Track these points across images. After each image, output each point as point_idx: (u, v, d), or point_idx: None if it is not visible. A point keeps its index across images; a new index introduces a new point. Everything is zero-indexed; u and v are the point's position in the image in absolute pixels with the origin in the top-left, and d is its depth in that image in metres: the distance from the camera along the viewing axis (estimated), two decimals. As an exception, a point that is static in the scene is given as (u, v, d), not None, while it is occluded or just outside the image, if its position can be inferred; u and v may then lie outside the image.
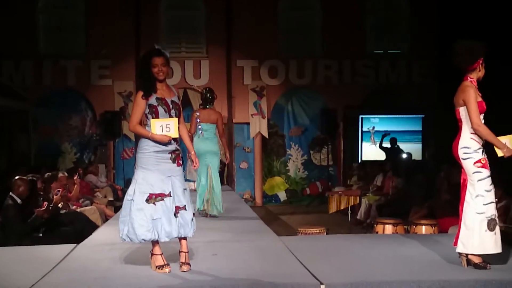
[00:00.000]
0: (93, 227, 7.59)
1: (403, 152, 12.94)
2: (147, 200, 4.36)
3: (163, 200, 4.39)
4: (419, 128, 13.92)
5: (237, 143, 14.25)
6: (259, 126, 14.01)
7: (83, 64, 13.64)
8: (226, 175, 14.05)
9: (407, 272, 4.36)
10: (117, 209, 9.69)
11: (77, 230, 7.21)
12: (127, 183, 13.49)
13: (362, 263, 4.67)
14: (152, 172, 4.40)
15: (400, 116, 13.96)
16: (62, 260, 4.95)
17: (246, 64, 14.09)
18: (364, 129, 13.94)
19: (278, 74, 14.17)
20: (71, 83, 13.63)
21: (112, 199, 10.93)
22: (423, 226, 6.85)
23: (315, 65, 14.23)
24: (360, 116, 13.87)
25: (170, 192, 4.42)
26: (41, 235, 6.74)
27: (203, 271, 4.44)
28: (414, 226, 6.95)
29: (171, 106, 4.48)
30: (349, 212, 8.79)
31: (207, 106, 7.84)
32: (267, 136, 14.17)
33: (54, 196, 7.28)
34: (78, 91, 13.70)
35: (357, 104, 14.03)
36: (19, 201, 6.70)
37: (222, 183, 13.10)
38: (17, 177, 6.88)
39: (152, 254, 4.51)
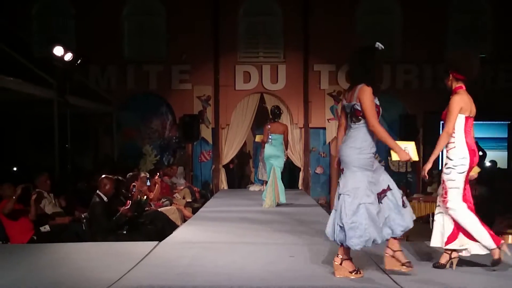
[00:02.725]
0: (172, 226, 7.80)
1: (485, 154, 12.28)
2: (377, 200, 4.23)
3: (386, 195, 4.26)
4: (504, 135, 13.32)
5: (313, 148, 14.20)
6: (335, 131, 13.85)
7: (164, 69, 14.06)
8: (302, 180, 14.03)
9: (492, 281, 4.19)
10: (194, 210, 9.92)
11: (158, 228, 7.45)
12: (204, 185, 13.79)
13: (445, 272, 4.53)
14: (373, 172, 4.27)
15: (484, 122, 13.41)
16: (146, 256, 5.14)
17: (323, 69, 14.03)
18: (445, 135, 13.48)
19: (355, 79, 13.98)
20: (152, 87, 14.09)
21: (190, 200, 11.18)
22: (510, 236, 6.56)
23: (394, 70, 13.96)
24: (441, 122, 13.40)
25: (388, 186, 4.28)
26: (124, 232, 7.01)
27: (281, 272, 4.47)
28: (500, 236, 6.65)
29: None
30: (431, 219, 8.54)
31: (276, 120, 9.78)
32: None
33: (133, 193, 7.57)
34: (159, 95, 14.12)
35: (438, 110, 13.56)
36: (105, 199, 7.00)
37: (297, 187, 13.41)
38: (103, 176, 7.19)
39: (345, 259, 4.31)
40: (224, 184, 14.08)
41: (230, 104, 13.96)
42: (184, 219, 8.89)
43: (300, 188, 13.87)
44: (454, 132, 4.62)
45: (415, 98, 13.75)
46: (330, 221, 4.38)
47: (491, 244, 4.43)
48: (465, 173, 4.57)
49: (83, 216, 7.25)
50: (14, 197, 6.79)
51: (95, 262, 4.95)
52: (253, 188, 13.06)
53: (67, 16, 14.17)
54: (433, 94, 13.67)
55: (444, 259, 4.63)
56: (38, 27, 14.25)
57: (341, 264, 4.29)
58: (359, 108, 4.23)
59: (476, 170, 4.76)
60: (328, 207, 13.65)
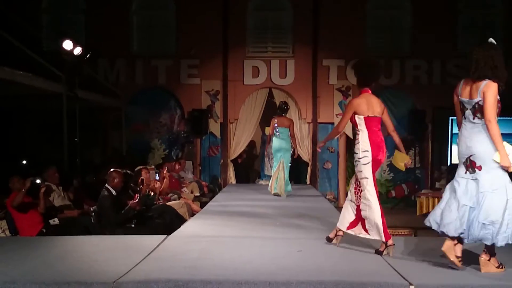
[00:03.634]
0: (181, 220, 7.83)
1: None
2: None
3: None
4: (515, 131, 13.21)
5: (321, 143, 14.13)
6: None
7: (173, 63, 14.06)
8: (310, 175, 14.01)
9: (501, 277, 4.17)
10: (202, 204, 9.96)
11: (166, 222, 7.48)
12: (213, 179, 13.81)
13: (449, 268, 4.51)
14: None
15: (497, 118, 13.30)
16: (153, 249, 5.16)
17: (332, 64, 13.97)
18: (454, 131, 13.43)
19: (364, 74, 13.92)
20: (161, 82, 14.10)
21: (198, 194, 11.21)
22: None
23: (403, 65, 13.89)
24: (450, 118, 13.35)
25: None
26: (133, 225, 7.03)
27: (289, 267, 4.47)
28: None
29: None
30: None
31: (283, 114, 10.20)
32: (351, 137, 13.95)
33: (141, 187, 7.60)
34: (167, 90, 14.14)
35: (447, 106, 13.47)
36: (114, 192, 7.03)
37: (305, 182, 13.42)
38: (112, 170, 7.21)
39: (493, 256, 4.34)
40: (232, 179, 14.10)
41: (239, 98, 13.96)
42: (192, 213, 8.92)
43: (308, 183, 13.86)
44: (359, 130, 5.17)
45: (424, 94, 13.68)
46: (452, 216, 4.34)
47: (382, 237, 4.97)
48: (370, 164, 5.07)
49: (91, 209, 7.29)
50: (23, 190, 6.84)
51: (104, 255, 4.97)
52: (263, 182, 13.12)
53: (77, 10, 14.22)
54: (442, 90, 13.58)
55: (332, 233, 5.40)
56: (47, 21, 14.31)
57: (489, 260, 4.29)
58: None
59: (405, 158, 5.38)
60: (336, 202, 13.65)
